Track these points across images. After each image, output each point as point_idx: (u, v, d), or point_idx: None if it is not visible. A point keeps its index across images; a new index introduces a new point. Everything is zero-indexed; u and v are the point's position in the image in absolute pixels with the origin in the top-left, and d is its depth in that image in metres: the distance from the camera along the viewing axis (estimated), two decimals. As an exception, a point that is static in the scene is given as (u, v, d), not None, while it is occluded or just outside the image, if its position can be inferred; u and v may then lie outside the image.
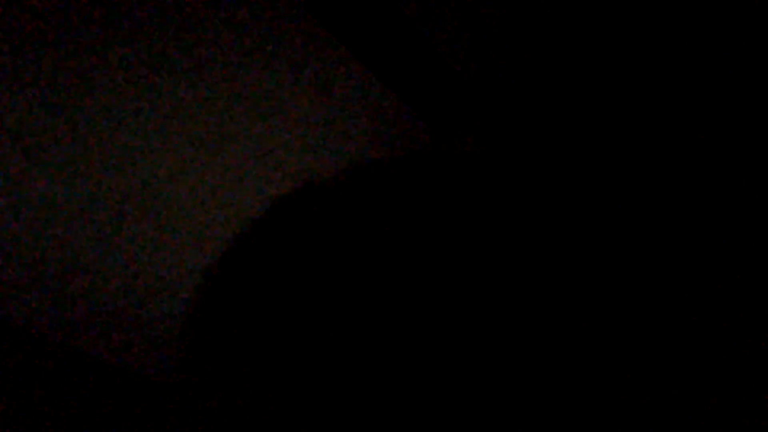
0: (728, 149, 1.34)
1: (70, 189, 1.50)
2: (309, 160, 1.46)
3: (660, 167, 1.40)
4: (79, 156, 1.42)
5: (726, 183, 1.40)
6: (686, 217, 1.50)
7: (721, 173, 1.39)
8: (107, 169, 1.44)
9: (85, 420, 1.85)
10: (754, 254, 1.55)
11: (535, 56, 1.23)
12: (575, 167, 1.44)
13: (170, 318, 1.83)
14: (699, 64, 1.19)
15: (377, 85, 1.30)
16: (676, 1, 1.08)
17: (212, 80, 1.27)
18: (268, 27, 1.19)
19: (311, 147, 1.44)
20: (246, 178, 1.48)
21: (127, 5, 1.12)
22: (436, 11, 1.15)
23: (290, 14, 1.17)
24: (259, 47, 1.23)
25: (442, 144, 1.15)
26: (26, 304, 1.74)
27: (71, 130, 1.36)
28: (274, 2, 1.15)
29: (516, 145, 1.15)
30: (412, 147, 1.39)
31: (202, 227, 1.60)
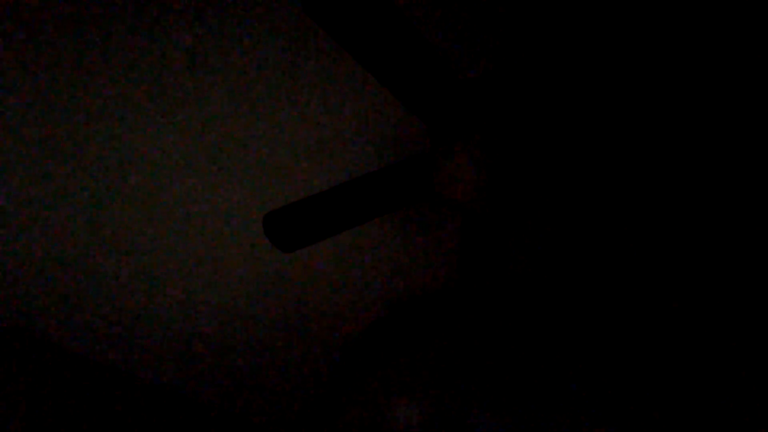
0: (728, 149, 1.33)
1: (71, 190, 1.50)
2: (309, 162, 1.46)
3: (660, 168, 1.40)
4: (80, 157, 1.42)
5: (726, 183, 1.40)
6: (687, 221, 1.50)
7: (721, 173, 1.38)
8: (108, 171, 1.44)
9: (86, 420, 1.86)
10: (754, 254, 1.55)
11: (535, 57, 1.22)
12: (574, 167, 1.44)
13: (169, 319, 1.83)
14: (699, 65, 1.19)
15: (377, 88, 1.30)
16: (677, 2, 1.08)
17: (212, 82, 1.27)
18: (268, 31, 1.19)
19: (311, 149, 1.44)
20: (246, 179, 1.49)
21: (129, 6, 1.12)
22: (436, 13, 1.15)
23: (290, 18, 1.17)
24: (259, 51, 1.23)
25: (438, 146, 1.16)
26: (27, 305, 1.74)
27: (72, 131, 1.37)
28: (274, 6, 1.15)
29: (516, 146, 1.15)
30: (411, 149, 1.39)
31: (202, 227, 1.60)
